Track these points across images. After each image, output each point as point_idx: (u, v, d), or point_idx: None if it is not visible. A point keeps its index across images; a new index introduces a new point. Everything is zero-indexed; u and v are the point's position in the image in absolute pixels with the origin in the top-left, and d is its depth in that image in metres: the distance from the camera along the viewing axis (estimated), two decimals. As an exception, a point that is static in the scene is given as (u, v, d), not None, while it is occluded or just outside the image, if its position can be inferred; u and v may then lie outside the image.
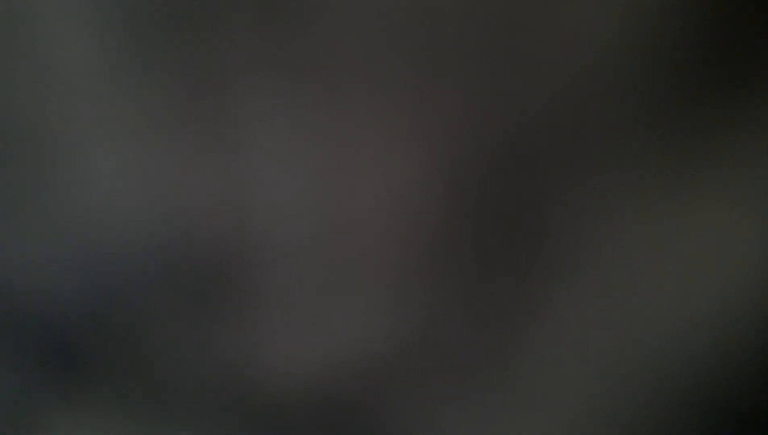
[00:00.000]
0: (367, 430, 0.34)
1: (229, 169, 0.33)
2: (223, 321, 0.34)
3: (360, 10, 0.32)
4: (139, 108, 0.33)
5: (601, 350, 0.34)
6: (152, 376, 0.34)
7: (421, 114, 0.32)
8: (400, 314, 0.34)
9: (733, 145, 0.32)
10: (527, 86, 0.32)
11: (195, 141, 0.33)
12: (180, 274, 0.34)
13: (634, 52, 0.32)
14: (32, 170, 0.34)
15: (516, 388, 0.34)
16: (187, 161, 0.33)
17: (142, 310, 0.34)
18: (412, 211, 0.33)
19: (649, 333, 0.33)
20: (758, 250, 0.33)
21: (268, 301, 0.34)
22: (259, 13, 0.32)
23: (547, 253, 0.33)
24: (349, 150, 0.33)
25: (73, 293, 0.34)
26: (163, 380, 0.34)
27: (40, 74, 0.33)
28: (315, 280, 0.34)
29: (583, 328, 0.33)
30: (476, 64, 0.32)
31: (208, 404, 0.35)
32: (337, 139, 0.33)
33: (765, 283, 0.33)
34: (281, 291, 0.34)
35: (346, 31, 0.32)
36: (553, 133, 0.32)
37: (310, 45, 0.32)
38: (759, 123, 0.32)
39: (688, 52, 0.32)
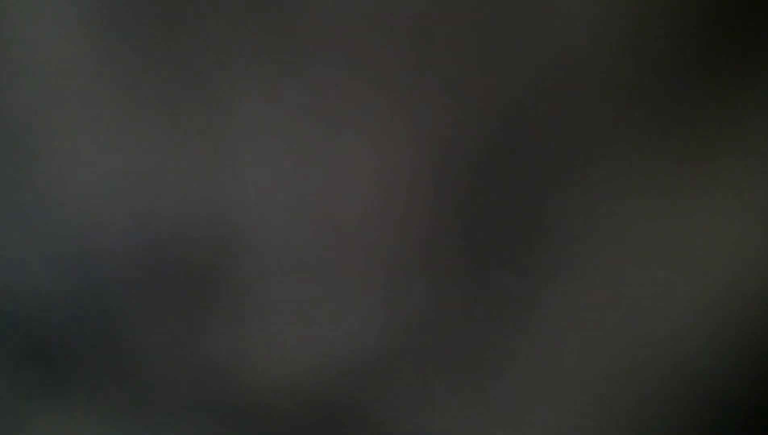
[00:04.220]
0: (359, 428, 0.34)
1: (217, 164, 0.33)
2: (211, 319, 0.34)
3: (351, 4, 0.32)
4: (124, 101, 0.33)
5: (597, 347, 0.34)
6: (138, 376, 0.34)
7: (413, 106, 0.32)
8: (392, 312, 0.34)
9: (734, 139, 0.32)
10: (521, 79, 0.32)
11: (181, 135, 0.33)
12: (165, 271, 0.34)
13: (631, 44, 0.32)
14: (12, 165, 0.33)
15: (510, 385, 0.34)
16: (172, 155, 0.33)
17: (126, 308, 0.34)
18: (404, 206, 0.33)
19: (646, 329, 0.33)
20: (759, 246, 0.33)
21: (257, 299, 0.34)
22: (248, 4, 0.32)
23: (541, 249, 0.33)
24: (339, 144, 0.33)
25: (56, 291, 0.34)
26: (149, 380, 0.34)
27: (21, 67, 0.33)
28: (304, 277, 0.33)
29: (578, 324, 0.33)
30: (468, 58, 0.32)
31: (195, 405, 0.34)
32: (327, 133, 0.33)
33: (766, 280, 0.33)
34: (270, 288, 0.34)
35: (336, 25, 0.32)
36: (546, 128, 0.32)
37: (300, 37, 0.32)
38: (760, 118, 0.32)
39: (687, 46, 0.32)
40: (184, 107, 0.33)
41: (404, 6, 0.32)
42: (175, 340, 0.34)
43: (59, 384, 0.35)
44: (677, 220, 0.33)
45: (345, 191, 0.33)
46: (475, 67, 0.32)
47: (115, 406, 0.35)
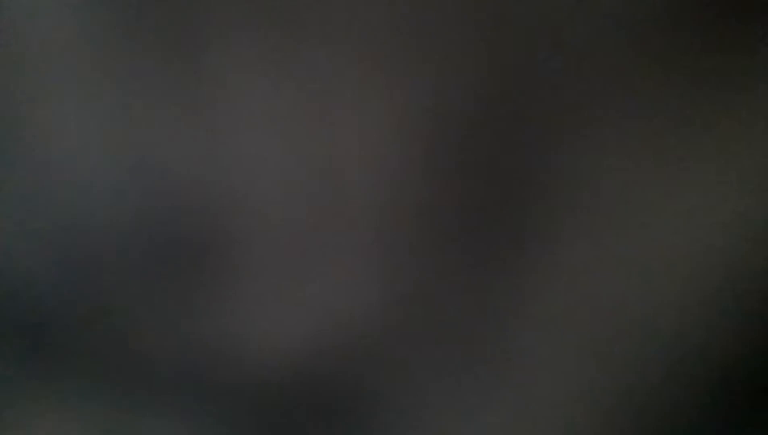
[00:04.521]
0: (356, 403, 0.34)
1: (210, 140, 0.33)
2: (204, 298, 0.34)
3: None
4: (115, 78, 0.33)
5: (597, 323, 0.33)
6: (129, 359, 0.34)
7: (407, 75, 0.32)
8: (388, 283, 0.33)
9: (736, 111, 0.33)
10: (519, 33, 0.32)
11: (174, 111, 0.33)
12: (159, 250, 0.33)
13: (632, 17, 0.32)
14: (0, 145, 0.33)
15: (508, 362, 0.34)
16: (165, 133, 0.33)
17: (116, 289, 0.34)
18: (399, 178, 0.33)
19: (644, 296, 0.33)
20: (759, 220, 0.33)
21: (251, 276, 0.33)
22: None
23: (541, 219, 0.33)
24: (332, 116, 0.33)
25: (44, 271, 0.34)
26: (141, 363, 0.34)
27: (8, 46, 0.33)
28: (299, 252, 0.33)
29: (576, 292, 0.33)
30: (463, 26, 0.32)
31: (188, 387, 0.34)
32: (321, 105, 0.33)
33: (765, 273, 0.33)
34: (265, 264, 0.33)
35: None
36: (542, 94, 0.32)
37: (289, 6, 0.32)
38: (762, 90, 0.32)
39: (688, 20, 0.32)
40: (176, 84, 0.33)
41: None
42: (170, 320, 0.34)
43: (48, 369, 0.34)
44: (673, 209, 0.33)
45: (339, 164, 0.33)
46: (469, 34, 0.32)
47: (105, 391, 0.34)
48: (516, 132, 0.33)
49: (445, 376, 0.34)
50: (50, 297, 0.34)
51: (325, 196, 0.33)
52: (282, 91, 0.33)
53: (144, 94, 0.33)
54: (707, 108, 0.33)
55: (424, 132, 0.33)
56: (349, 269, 0.33)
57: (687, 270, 0.33)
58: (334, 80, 0.32)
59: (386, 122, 0.33)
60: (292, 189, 0.33)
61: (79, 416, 0.34)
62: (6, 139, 0.33)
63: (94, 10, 0.32)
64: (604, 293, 0.33)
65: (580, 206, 0.33)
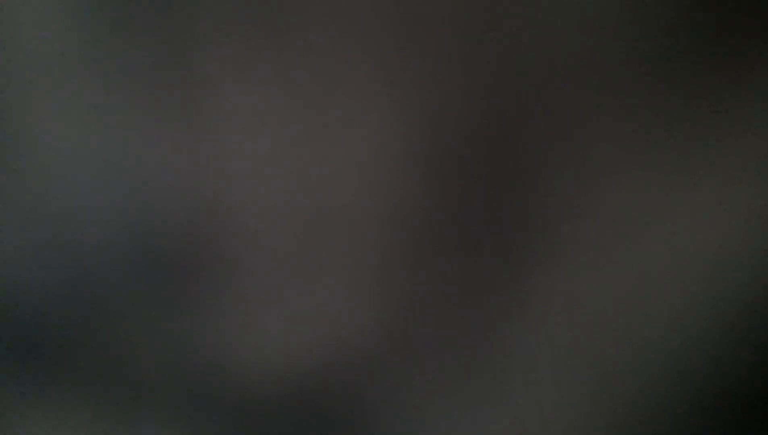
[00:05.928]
0: (350, 419, 0.34)
1: (205, 153, 0.33)
2: (200, 311, 0.34)
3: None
4: (110, 90, 0.32)
5: (591, 339, 0.34)
6: (122, 370, 0.34)
7: (403, 95, 0.32)
8: (383, 302, 0.33)
9: (731, 131, 0.32)
10: (516, 51, 0.32)
11: (162, 117, 0.33)
12: (153, 262, 0.33)
13: (629, 34, 0.32)
14: None
15: (502, 377, 0.34)
16: (159, 145, 0.33)
17: (110, 300, 0.34)
18: (394, 196, 0.33)
19: (639, 316, 0.33)
20: (754, 237, 0.33)
21: (246, 291, 0.33)
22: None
23: (535, 237, 0.33)
24: (328, 133, 0.32)
25: (37, 282, 0.34)
26: (134, 374, 0.34)
27: (1, 53, 0.33)
28: (294, 267, 0.33)
29: (572, 315, 0.33)
30: (458, 46, 0.32)
31: (181, 399, 0.34)
32: (316, 121, 0.32)
33: (764, 275, 0.33)
34: (259, 279, 0.33)
35: (326, 12, 0.32)
36: (538, 119, 0.32)
37: (283, 6, 0.32)
38: (758, 109, 0.32)
39: (684, 36, 0.32)
40: (171, 97, 0.32)
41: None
42: (164, 332, 0.34)
43: (41, 380, 0.34)
44: (671, 211, 0.33)
45: (334, 180, 0.33)
46: (465, 55, 0.32)
47: (97, 402, 0.34)
48: (511, 160, 0.32)
49: (443, 389, 0.34)
50: (46, 308, 0.34)
51: (323, 207, 0.33)
52: (279, 101, 0.32)
53: (139, 105, 0.33)
54: (708, 111, 0.32)
55: (420, 156, 0.32)
56: (346, 281, 0.33)
57: (688, 275, 0.33)
58: (332, 90, 0.32)
59: (384, 134, 0.32)
60: (288, 201, 0.33)
61: (74, 426, 0.34)
62: (5, 157, 0.33)
63: (91, 25, 0.32)
64: (598, 315, 0.33)
65: (580, 216, 0.33)
